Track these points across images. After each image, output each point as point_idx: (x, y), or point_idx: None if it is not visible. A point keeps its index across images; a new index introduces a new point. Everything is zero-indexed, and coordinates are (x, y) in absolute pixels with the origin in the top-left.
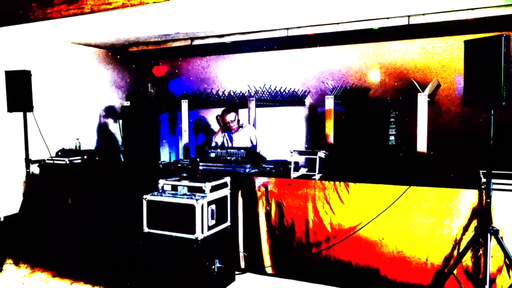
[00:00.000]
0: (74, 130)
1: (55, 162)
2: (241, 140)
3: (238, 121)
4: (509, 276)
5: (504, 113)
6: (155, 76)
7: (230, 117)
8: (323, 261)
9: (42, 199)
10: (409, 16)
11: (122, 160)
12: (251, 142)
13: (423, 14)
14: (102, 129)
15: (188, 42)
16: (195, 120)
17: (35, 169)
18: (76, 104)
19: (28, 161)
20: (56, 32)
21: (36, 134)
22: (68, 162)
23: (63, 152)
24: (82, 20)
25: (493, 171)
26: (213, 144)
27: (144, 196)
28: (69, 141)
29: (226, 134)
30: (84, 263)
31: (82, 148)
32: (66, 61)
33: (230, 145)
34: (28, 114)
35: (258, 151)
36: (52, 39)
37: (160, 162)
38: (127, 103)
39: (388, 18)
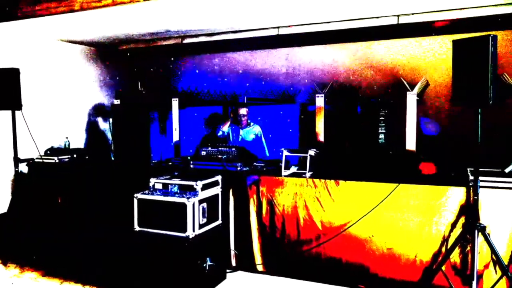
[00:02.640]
0: (63, 128)
1: (44, 161)
2: (247, 136)
3: (247, 119)
4: (496, 271)
5: (491, 112)
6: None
7: (243, 111)
8: (314, 259)
9: (31, 198)
10: (398, 16)
11: (112, 158)
12: (258, 139)
13: (412, 14)
14: (92, 127)
15: (178, 41)
16: (210, 114)
17: (23, 168)
18: (65, 102)
19: (17, 160)
20: (45, 30)
21: (25, 133)
22: (57, 160)
23: (52, 151)
24: (71, 18)
25: (480, 169)
26: (220, 133)
27: (135, 195)
28: (58, 140)
29: (233, 127)
30: (74, 262)
31: (71, 147)
32: (55, 59)
33: (236, 138)
34: (17, 113)
35: (265, 150)
36: (41, 37)
37: (151, 160)
38: (117, 102)
39: (377, 17)
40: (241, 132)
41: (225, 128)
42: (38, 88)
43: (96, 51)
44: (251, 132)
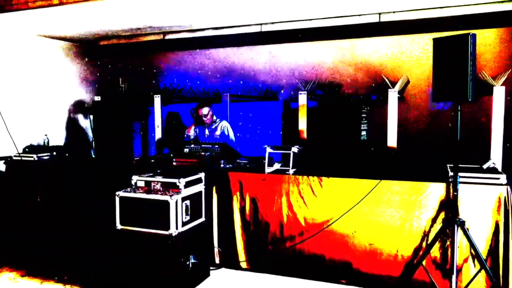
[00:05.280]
0: (42, 125)
1: (23, 158)
2: (213, 133)
3: (212, 115)
4: (474, 265)
5: (470, 109)
6: None
7: (204, 111)
8: (297, 255)
9: (9, 197)
10: (380, 14)
11: (93, 156)
12: (225, 135)
13: (394, 12)
14: (72, 124)
15: (160, 37)
16: (167, 113)
17: (1, 166)
18: (44, 99)
19: None
20: (23, 25)
21: (2, 130)
22: (36, 158)
23: (31, 148)
24: (50, 13)
25: (459, 165)
26: (192, 136)
27: (117, 193)
28: (37, 137)
29: (198, 129)
30: (55, 261)
31: (50, 144)
32: (34, 54)
33: (201, 137)
34: None
35: (234, 142)
36: (19, 32)
37: (133, 158)
38: (97, 98)
39: (359, 15)
40: (206, 131)
41: (191, 132)
42: (16, 84)
43: (76, 47)
44: (217, 128)
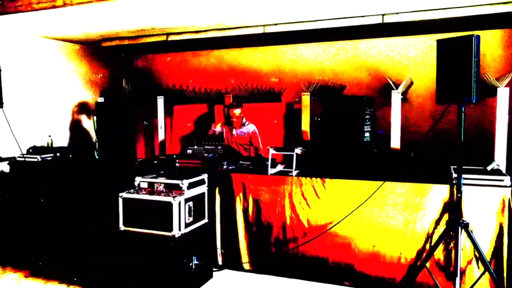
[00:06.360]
0: (46, 126)
1: (27, 159)
2: (241, 136)
3: (242, 118)
4: (478, 267)
5: (473, 111)
6: None
7: (236, 112)
8: (300, 257)
9: (13, 198)
10: (383, 15)
11: (97, 157)
12: (252, 140)
13: (397, 13)
14: (75, 126)
15: (163, 38)
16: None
17: (5, 167)
18: (48, 100)
19: None
20: (27, 26)
21: (6, 131)
22: (40, 159)
23: (35, 149)
24: (54, 14)
25: (463, 167)
26: (211, 132)
27: (120, 194)
28: (41, 138)
29: (226, 127)
30: (59, 262)
31: (54, 145)
32: (38, 55)
33: (230, 138)
34: None
35: (260, 150)
36: (23, 33)
37: (136, 159)
38: (101, 99)
39: (363, 16)
40: (234, 131)
41: (217, 127)
42: (20, 85)
43: (79, 48)
44: (245, 131)
